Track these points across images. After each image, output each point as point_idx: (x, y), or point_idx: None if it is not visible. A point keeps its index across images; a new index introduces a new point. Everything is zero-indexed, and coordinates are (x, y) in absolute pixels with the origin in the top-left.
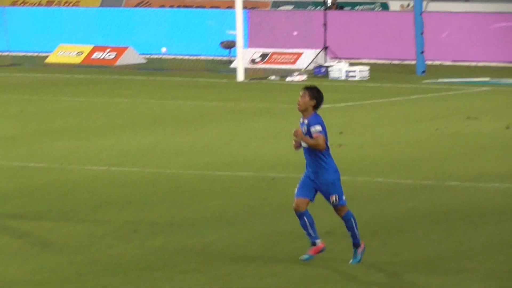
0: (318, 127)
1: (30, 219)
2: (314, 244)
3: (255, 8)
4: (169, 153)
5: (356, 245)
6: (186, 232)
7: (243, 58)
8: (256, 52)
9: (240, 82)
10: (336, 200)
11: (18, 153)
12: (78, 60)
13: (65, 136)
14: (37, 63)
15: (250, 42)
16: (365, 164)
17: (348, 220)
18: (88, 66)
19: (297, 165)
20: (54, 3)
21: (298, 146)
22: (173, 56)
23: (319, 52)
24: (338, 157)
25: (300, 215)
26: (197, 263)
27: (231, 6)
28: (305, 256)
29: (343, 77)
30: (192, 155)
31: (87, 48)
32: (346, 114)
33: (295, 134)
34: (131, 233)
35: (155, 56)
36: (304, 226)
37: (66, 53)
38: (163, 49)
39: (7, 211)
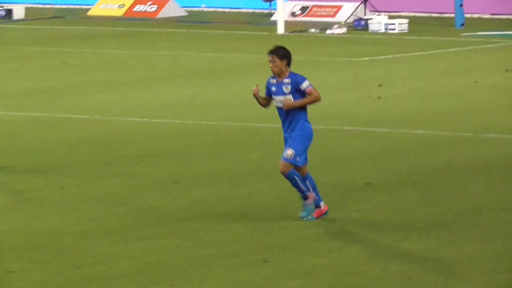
0: (307, 82)
1: (72, 171)
2: (318, 206)
3: None
4: (210, 105)
5: (304, 197)
6: (226, 183)
7: (283, 11)
8: (296, 5)
9: (281, 35)
10: (291, 155)
11: (60, 105)
12: (119, 12)
13: (106, 88)
14: (79, 16)
15: None
16: (404, 117)
17: (291, 179)
18: (129, 19)
19: (338, 117)
20: None
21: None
22: (214, 9)
23: (358, 5)
24: (378, 109)
25: (288, 175)
26: (237, 215)
27: None
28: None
29: (382, 30)
30: (232, 107)
31: (129, 0)
32: (385, 67)
33: (288, 106)
34: (172, 185)
35: (196, 9)
36: (295, 185)
37: (108, 5)
38: (203, 5)
39: (49, 163)
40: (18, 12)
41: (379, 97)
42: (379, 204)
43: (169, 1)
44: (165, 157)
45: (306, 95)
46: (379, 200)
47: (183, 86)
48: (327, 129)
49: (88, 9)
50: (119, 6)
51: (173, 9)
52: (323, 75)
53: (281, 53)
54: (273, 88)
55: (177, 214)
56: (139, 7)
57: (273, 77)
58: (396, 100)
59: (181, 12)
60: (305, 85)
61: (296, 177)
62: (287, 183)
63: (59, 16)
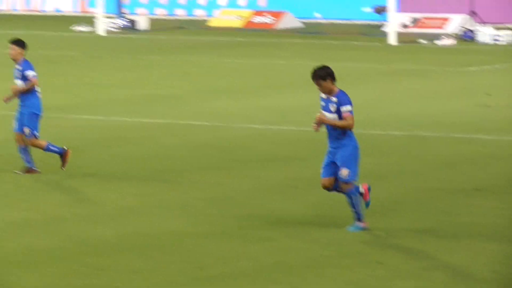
0: (349, 107)
1: (194, 175)
2: (359, 219)
3: None
4: None
5: (358, 220)
6: None
7: (394, 23)
8: (406, 17)
9: (392, 45)
10: (346, 174)
11: (183, 111)
12: (239, 23)
13: (227, 95)
14: (200, 26)
15: (401, 7)
16: (511, 124)
17: (349, 197)
18: (248, 30)
19: (447, 125)
20: None
21: (318, 127)
22: (328, 21)
23: (466, 17)
24: (485, 117)
25: (330, 190)
26: (351, 218)
27: None
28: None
29: (490, 41)
30: None
31: (248, 12)
32: (493, 76)
33: (320, 121)
34: (290, 189)
35: (312, 21)
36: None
37: (228, 17)
38: (316, 14)
39: (173, 167)
40: (143, 22)
41: (487, 106)
42: (488, 209)
43: (286, 13)
44: (284, 163)
45: (343, 118)
46: (488, 205)
47: (300, 94)
48: (437, 136)
49: (209, 20)
50: (238, 17)
51: (290, 21)
52: (433, 84)
53: (323, 74)
54: (322, 103)
55: (295, 217)
56: (257, 19)
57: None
58: (503, 108)
59: (297, 23)
60: (345, 108)
61: (355, 196)
62: (401, 188)
63: (181, 26)
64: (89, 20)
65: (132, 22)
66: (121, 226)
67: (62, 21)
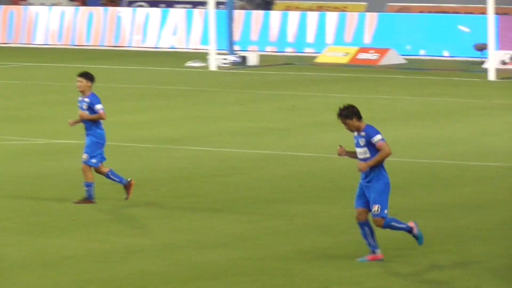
0: (379, 136)
1: (300, 203)
2: (374, 252)
3: (505, 14)
4: (426, 145)
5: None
6: (441, 215)
7: (494, 59)
8: (505, 54)
9: (492, 81)
10: (378, 210)
11: (290, 143)
12: (344, 60)
13: (332, 128)
14: (307, 63)
15: (500, 44)
16: None
17: (388, 227)
18: (353, 66)
19: None
20: (323, 8)
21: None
22: (430, 57)
23: None
24: None
25: (361, 224)
26: (451, 245)
27: (483, 12)
28: (362, 259)
29: None
30: (447, 147)
31: (353, 49)
32: None
33: (362, 170)
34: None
35: (415, 57)
36: (364, 235)
37: (334, 53)
38: (421, 52)
39: (279, 196)
40: (252, 58)
41: None
42: None
43: (390, 50)
44: None
45: (378, 149)
46: None
47: (402, 127)
48: None
49: (316, 57)
50: (344, 54)
51: (393, 57)
52: None
53: (348, 114)
54: (355, 141)
55: (396, 243)
56: (362, 55)
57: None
58: None
59: (400, 60)
60: (376, 139)
61: (393, 223)
62: (499, 216)
63: (289, 63)
64: (201, 56)
65: (243, 58)
66: (230, 252)
67: (176, 58)
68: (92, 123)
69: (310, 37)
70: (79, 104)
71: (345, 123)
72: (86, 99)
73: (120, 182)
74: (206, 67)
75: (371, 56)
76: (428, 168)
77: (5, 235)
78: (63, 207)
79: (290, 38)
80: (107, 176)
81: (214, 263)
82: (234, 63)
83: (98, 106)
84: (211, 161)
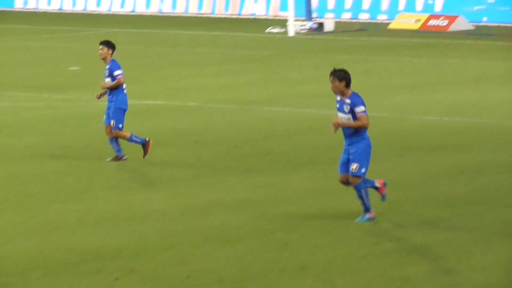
0: (362, 107)
1: (373, 161)
2: (367, 210)
3: None
4: (492, 106)
5: (366, 210)
6: (505, 172)
7: None
8: None
9: None
10: (356, 168)
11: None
12: (415, 26)
13: (403, 90)
14: (380, 29)
15: None
16: None
17: (358, 190)
18: (424, 32)
19: None
20: None
21: (335, 130)
22: (496, 24)
23: None
24: None
25: (355, 188)
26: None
27: None
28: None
29: None
30: (511, 108)
31: (424, 16)
32: None
33: (336, 125)
34: (458, 174)
35: (482, 24)
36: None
37: (406, 20)
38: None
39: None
40: (329, 25)
41: None
42: None
43: (459, 17)
44: (453, 150)
45: (357, 118)
46: None
47: (469, 90)
48: None
49: (389, 23)
50: (415, 20)
51: (462, 24)
52: None
53: (340, 75)
54: (338, 105)
55: (463, 199)
56: (432, 22)
57: (339, 94)
58: None
59: (468, 26)
60: (358, 109)
61: (363, 190)
62: None
63: (363, 29)
64: (280, 23)
65: (320, 24)
66: (307, 206)
67: (256, 24)
68: (115, 89)
69: (384, 4)
70: (104, 73)
71: (333, 82)
72: (107, 66)
73: (140, 142)
74: (285, 33)
75: (440, 22)
76: (494, 128)
77: (95, 190)
78: (148, 164)
79: (365, 5)
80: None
81: (292, 216)
82: (312, 29)
83: (117, 72)
84: (289, 122)
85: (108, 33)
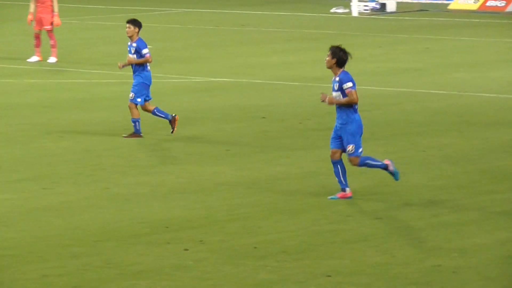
0: (349, 84)
1: (431, 136)
2: (343, 190)
3: None
4: None
5: (381, 167)
6: None
7: None
8: None
9: None
10: (352, 149)
11: (423, 82)
12: (475, 7)
13: (462, 68)
14: (441, 9)
15: None
16: None
17: (364, 165)
18: (482, 12)
19: None
20: None
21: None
22: None
23: None
24: None
25: (334, 163)
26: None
27: None
28: (332, 197)
29: None
30: None
31: None
32: None
33: (328, 102)
34: None
35: None
36: (336, 173)
37: (465, 1)
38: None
39: (412, 129)
40: (391, 5)
41: None
42: None
43: None
44: (510, 126)
45: (346, 95)
46: None
47: None
48: None
49: (449, 4)
50: (474, 1)
51: None
52: None
53: (335, 52)
54: (332, 85)
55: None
56: (491, 2)
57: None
58: None
59: None
60: (346, 86)
61: (368, 161)
62: None
63: (424, 9)
64: (344, 4)
65: (382, 5)
66: (367, 179)
67: (321, 4)
68: (140, 65)
69: None
70: (128, 49)
71: (328, 57)
72: (134, 44)
73: (166, 117)
74: (349, 13)
75: (499, 3)
76: None
77: (166, 163)
78: (217, 139)
79: None
80: (153, 113)
81: (353, 188)
82: (374, 10)
83: (145, 50)
84: None
85: (181, 13)
